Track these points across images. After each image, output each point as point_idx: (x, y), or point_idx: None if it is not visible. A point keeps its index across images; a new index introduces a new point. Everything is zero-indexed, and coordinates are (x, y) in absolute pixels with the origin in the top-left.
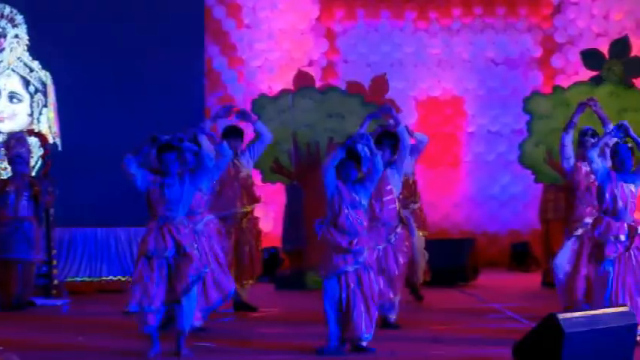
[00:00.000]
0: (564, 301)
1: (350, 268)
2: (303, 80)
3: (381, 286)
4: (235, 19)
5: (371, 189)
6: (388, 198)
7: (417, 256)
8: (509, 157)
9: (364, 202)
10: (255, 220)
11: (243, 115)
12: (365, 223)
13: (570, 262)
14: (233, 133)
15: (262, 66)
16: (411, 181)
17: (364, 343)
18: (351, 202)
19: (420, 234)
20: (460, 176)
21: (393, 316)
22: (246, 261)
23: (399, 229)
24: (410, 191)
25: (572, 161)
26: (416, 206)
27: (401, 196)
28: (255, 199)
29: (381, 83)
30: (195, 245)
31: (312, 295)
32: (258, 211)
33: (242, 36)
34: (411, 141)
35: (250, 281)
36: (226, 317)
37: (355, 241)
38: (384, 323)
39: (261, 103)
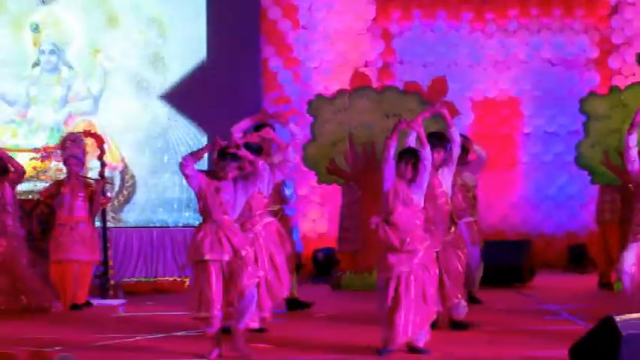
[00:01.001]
0: (631, 306)
1: (405, 268)
2: (359, 81)
3: (448, 287)
4: (291, 19)
5: (424, 185)
6: (441, 200)
7: (472, 269)
8: (566, 158)
9: (418, 199)
10: (285, 220)
11: (275, 118)
12: (419, 222)
13: (637, 266)
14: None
15: (318, 67)
16: (471, 194)
17: (420, 344)
18: (405, 200)
19: (476, 247)
20: (517, 177)
21: (462, 316)
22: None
23: (452, 229)
24: (468, 203)
25: (637, 164)
26: (472, 219)
27: (455, 200)
28: (282, 200)
29: (440, 85)
30: (249, 249)
31: (368, 296)
32: (314, 212)
33: (298, 37)
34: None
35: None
36: (279, 318)
37: (408, 240)
38: (453, 324)
39: (317, 103)
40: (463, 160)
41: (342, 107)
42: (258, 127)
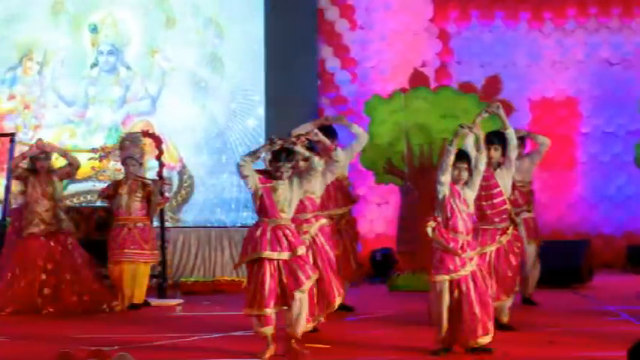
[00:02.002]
0: None
1: (462, 271)
2: (418, 80)
3: (494, 289)
4: (348, 20)
5: (475, 190)
6: (499, 200)
7: (528, 268)
8: (625, 158)
9: (471, 204)
10: (352, 222)
11: (336, 120)
12: (472, 225)
13: None
14: (327, 134)
15: (375, 67)
16: (526, 190)
17: (482, 346)
18: (460, 204)
19: (532, 244)
20: (575, 177)
21: (504, 318)
22: (340, 264)
23: (510, 231)
24: (525, 199)
25: None
26: (528, 215)
27: (512, 198)
28: (350, 201)
29: (494, 84)
30: (305, 248)
31: (425, 297)
32: (372, 212)
33: (355, 37)
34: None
35: (348, 282)
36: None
37: (464, 243)
38: (496, 325)
39: (374, 103)
40: (518, 155)
41: (399, 107)
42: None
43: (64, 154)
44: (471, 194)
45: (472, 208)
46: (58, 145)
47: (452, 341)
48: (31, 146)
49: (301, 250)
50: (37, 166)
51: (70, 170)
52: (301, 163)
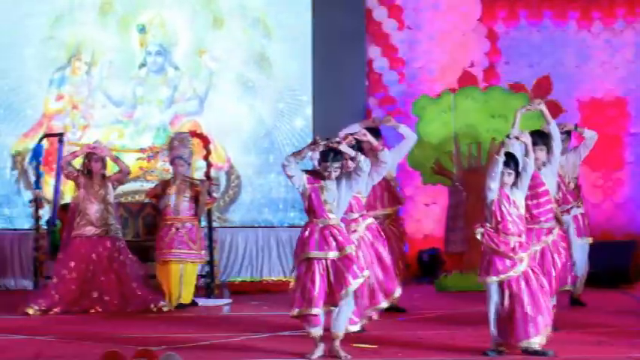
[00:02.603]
0: None
1: (512, 273)
2: (467, 80)
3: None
4: (397, 20)
5: (524, 191)
6: (544, 199)
7: (579, 267)
8: None
9: (521, 206)
10: (399, 222)
11: (384, 121)
12: (523, 227)
13: None
14: (372, 133)
15: (423, 67)
16: (573, 185)
17: (536, 347)
18: (509, 207)
19: (583, 241)
20: (623, 178)
21: None
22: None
23: (555, 230)
24: (573, 195)
25: None
26: (578, 211)
27: (558, 197)
28: (397, 201)
29: (544, 84)
30: (354, 247)
31: (473, 297)
32: (419, 212)
33: (403, 37)
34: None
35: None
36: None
37: (516, 246)
38: None
39: (422, 103)
40: (563, 150)
41: (448, 107)
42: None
43: (115, 160)
44: (520, 195)
45: (522, 210)
46: (110, 151)
47: (504, 342)
48: (84, 146)
49: (349, 250)
50: (91, 167)
51: (121, 177)
52: (349, 163)
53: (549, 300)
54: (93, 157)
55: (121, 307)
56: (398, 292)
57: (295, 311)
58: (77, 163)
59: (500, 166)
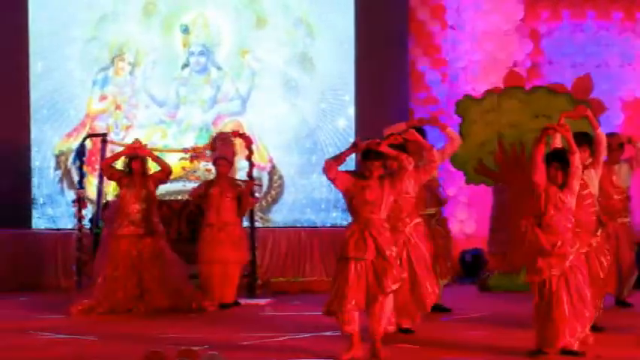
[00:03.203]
0: None
1: (556, 272)
2: (513, 80)
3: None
4: (439, 20)
5: (575, 189)
6: (587, 202)
7: (625, 271)
8: None
9: (569, 203)
10: (443, 221)
11: (429, 121)
12: (570, 226)
13: None
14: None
15: (466, 67)
16: (624, 196)
17: (574, 347)
18: (556, 203)
19: (628, 249)
20: None
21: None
22: (437, 262)
23: (599, 233)
24: (622, 204)
25: None
26: (625, 220)
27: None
28: (440, 202)
29: (585, 83)
30: (395, 249)
31: (516, 297)
32: (462, 212)
33: (446, 37)
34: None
35: (444, 280)
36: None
37: (559, 244)
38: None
39: (466, 104)
40: (616, 159)
41: (491, 107)
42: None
43: (156, 160)
44: (568, 192)
45: (570, 208)
46: (151, 151)
47: (547, 342)
48: (126, 146)
49: (388, 252)
50: (132, 167)
51: (162, 176)
52: (392, 163)
53: (590, 301)
54: (133, 157)
55: (164, 307)
56: (436, 294)
57: (326, 309)
58: (118, 163)
59: (539, 157)
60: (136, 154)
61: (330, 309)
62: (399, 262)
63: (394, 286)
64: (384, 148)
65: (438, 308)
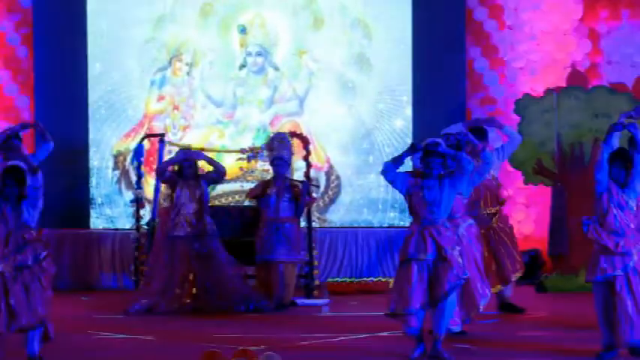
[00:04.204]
0: None
1: (618, 272)
2: (575, 80)
3: None
4: (497, 20)
5: (637, 188)
6: None
7: None
8: None
9: (632, 203)
10: (505, 218)
11: (488, 122)
12: (632, 225)
13: None
14: (476, 134)
15: (524, 67)
16: None
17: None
18: (619, 203)
19: None
20: None
21: None
22: (505, 260)
23: None
24: None
25: None
26: None
27: None
28: (500, 201)
29: None
30: (458, 248)
31: (575, 298)
32: (520, 213)
33: (504, 37)
34: None
35: (514, 276)
36: (490, 319)
37: (622, 243)
38: None
39: (525, 103)
40: None
41: (550, 107)
42: (472, 131)
43: (210, 162)
44: (630, 193)
45: (633, 206)
46: (203, 154)
47: (613, 343)
48: (178, 152)
49: (449, 252)
50: (185, 172)
51: (217, 177)
52: (451, 163)
53: None
54: (185, 163)
55: (220, 307)
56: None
57: (390, 311)
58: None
59: (605, 155)
60: (188, 161)
61: (394, 311)
62: (460, 262)
63: (456, 286)
64: (442, 149)
65: (510, 308)
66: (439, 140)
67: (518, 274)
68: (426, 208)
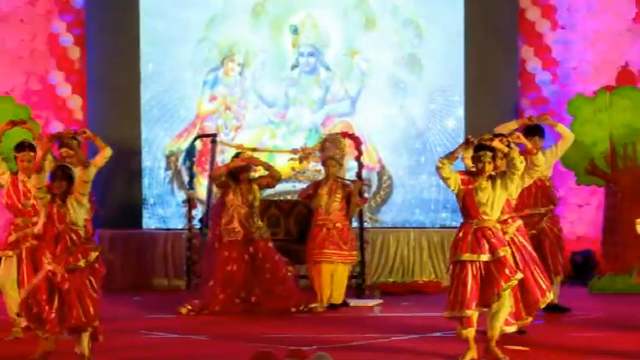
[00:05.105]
0: None
1: None
2: (625, 79)
3: None
4: (550, 20)
5: None
6: None
7: None
8: None
9: None
10: (555, 220)
11: (539, 119)
12: None
13: None
14: (534, 133)
15: (577, 67)
16: None
17: None
18: None
19: None
20: None
21: None
22: (549, 261)
23: None
24: None
25: None
26: None
27: None
28: (551, 202)
29: None
30: (509, 250)
31: (628, 299)
32: (572, 213)
33: (557, 37)
34: None
35: (558, 278)
36: (537, 320)
37: None
38: None
39: (578, 103)
40: None
41: (603, 107)
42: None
43: (268, 167)
44: None
45: None
46: (259, 159)
47: None
48: (234, 160)
49: (502, 252)
50: (239, 177)
51: (271, 182)
52: (502, 163)
53: None
54: (240, 168)
55: (272, 308)
56: (549, 296)
57: (448, 312)
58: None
59: None
60: (244, 166)
61: (452, 313)
62: (512, 262)
63: (509, 286)
64: (497, 144)
65: (556, 308)
66: (492, 137)
67: (560, 278)
68: (477, 209)
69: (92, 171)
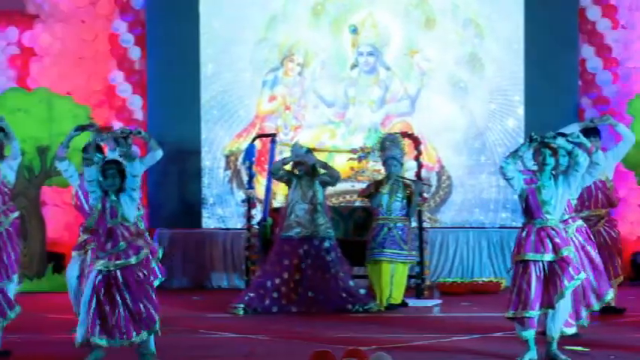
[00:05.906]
0: None
1: None
2: None
3: None
4: (611, 19)
5: None
6: None
7: None
8: None
9: None
10: (613, 222)
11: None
12: None
13: None
14: (590, 134)
15: (638, 67)
16: None
17: None
18: None
19: None
20: None
21: None
22: (605, 263)
23: None
24: None
25: None
26: None
27: None
28: (610, 203)
29: None
30: (572, 249)
31: None
32: (633, 214)
33: (618, 37)
34: None
35: (612, 282)
36: (594, 321)
37: None
38: None
39: (638, 103)
40: None
41: None
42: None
43: (325, 166)
44: None
45: None
46: (317, 158)
47: None
48: (292, 150)
49: (566, 252)
50: (299, 171)
51: (330, 181)
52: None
53: None
54: (299, 163)
55: (331, 307)
56: (610, 294)
57: (510, 313)
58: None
59: None
60: (302, 162)
61: (515, 314)
62: (576, 262)
63: (572, 286)
64: (561, 142)
65: (610, 309)
66: (555, 134)
67: (618, 280)
68: (540, 209)
69: (141, 167)
